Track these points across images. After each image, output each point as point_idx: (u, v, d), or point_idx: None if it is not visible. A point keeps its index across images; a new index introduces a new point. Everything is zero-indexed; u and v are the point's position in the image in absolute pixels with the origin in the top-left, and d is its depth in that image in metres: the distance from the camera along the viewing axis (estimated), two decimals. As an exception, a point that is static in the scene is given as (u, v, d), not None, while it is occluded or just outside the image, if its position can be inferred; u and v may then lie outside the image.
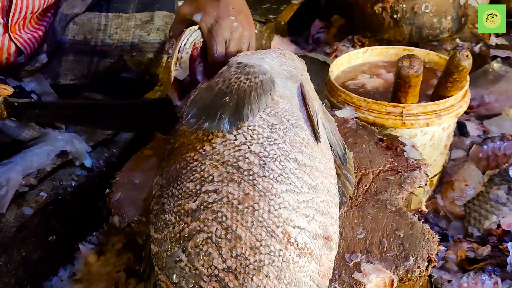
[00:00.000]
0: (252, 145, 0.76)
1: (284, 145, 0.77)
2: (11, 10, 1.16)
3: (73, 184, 1.22)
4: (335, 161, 0.88)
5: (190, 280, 0.70)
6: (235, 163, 0.75)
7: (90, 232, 1.31)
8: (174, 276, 0.71)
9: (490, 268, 1.22)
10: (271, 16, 2.18)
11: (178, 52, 0.96)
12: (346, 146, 0.94)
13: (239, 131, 0.78)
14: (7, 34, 1.19)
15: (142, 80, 1.42)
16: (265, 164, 0.75)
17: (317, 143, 0.82)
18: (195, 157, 0.77)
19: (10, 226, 1.08)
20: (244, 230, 0.70)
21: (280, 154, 0.76)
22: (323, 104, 0.99)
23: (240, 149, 0.76)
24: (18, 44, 1.21)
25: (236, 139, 0.77)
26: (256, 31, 1.68)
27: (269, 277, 0.69)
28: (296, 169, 0.76)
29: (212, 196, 0.73)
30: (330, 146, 0.89)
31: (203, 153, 0.77)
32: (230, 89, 0.82)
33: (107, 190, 1.02)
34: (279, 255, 0.70)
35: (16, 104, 1.02)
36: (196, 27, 1.00)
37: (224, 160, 0.75)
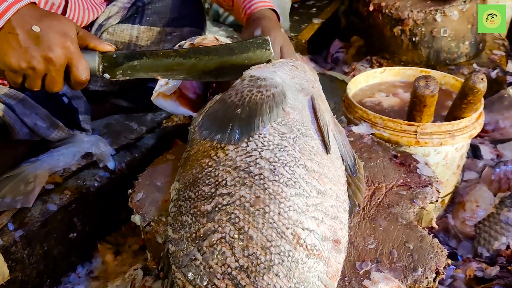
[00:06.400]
0: (263, 151, 0.80)
1: (294, 152, 0.80)
2: None
3: (96, 185, 1.28)
4: (346, 170, 0.91)
5: (205, 277, 0.73)
6: (246, 168, 0.78)
7: (108, 232, 1.36)
8: (190, 274, 0.74)
9: (498, 288, 1.24)
10: (292, 34, 2.23)
11: None
12: (356, 157, 0.96)
13: (250, 138, 0.81)
14: None
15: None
16: (275, 169, 0.78)
17: (327, 154, 0.85)
18: (209, 163, 0.81)
19: (35, 220, 1.14)
20: (255, 231, 0.73)
21: (290, 160, 0.79)
22: (338, 119, 1.02)
23: (251, 155, 0.79)
24: None
25: (247, 146, 0.80)
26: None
27: (279, 276, 0.72)
28: (305, 174, 0.79)
29: (226, 198, 0.76)
30: (342, 157, 0.91)
31: (217, 159, 0.81)
32: (242, 102, 0.85)
33: (130, 190, 1.07)
34: (289, 255, 0.73)
35: (114, 56, 0.97)
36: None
37: (236, 166, 0.79)
